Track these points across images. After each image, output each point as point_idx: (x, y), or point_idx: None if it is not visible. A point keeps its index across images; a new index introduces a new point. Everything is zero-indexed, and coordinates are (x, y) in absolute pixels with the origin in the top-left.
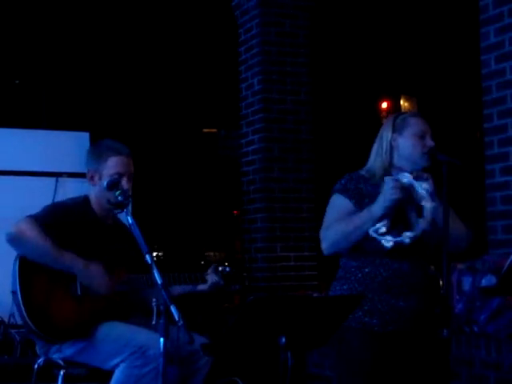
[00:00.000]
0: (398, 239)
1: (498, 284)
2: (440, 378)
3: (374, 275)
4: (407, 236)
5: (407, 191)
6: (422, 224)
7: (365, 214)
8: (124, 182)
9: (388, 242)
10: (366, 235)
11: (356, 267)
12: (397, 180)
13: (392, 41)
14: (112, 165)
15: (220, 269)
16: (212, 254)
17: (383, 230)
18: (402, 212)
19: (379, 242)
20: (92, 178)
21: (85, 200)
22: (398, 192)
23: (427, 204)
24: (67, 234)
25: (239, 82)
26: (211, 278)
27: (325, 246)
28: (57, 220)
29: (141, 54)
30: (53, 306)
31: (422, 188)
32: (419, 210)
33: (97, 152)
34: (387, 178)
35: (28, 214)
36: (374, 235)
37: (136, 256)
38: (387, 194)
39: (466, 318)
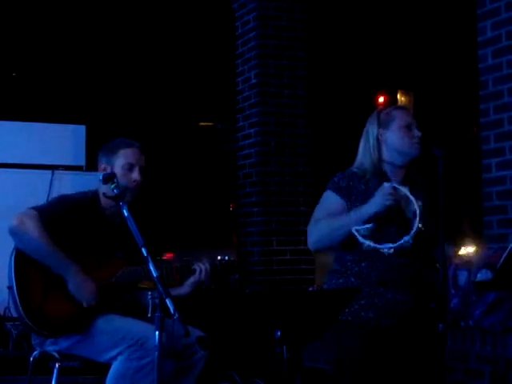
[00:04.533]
0: (397, 244)
1: (493, 278)
2: (435, 373)
3: (370, 269)
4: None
5: (400, 202)
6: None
7: (353, 214)
8: (136, 173)
9: (389, 249)
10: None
11: (352, 261)
12: (395, 188)
13: (389, 35)
14: (123, 155)
15: (219, 258)
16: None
17: (366, 232)
18: (391, 220)
19: (359, 241)
20: (104, 170)
21: (93, 195)
22: (392, 199)
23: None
24: (70, 229)
25: (236, 76)
26: (202, 266)
27: (310, 241)
28: (62, 213)
29: (138, 48)
30: (49, 301)
31: (417, 204)
32: (405, 223)
33: (109, 146)
34: (386, 184)
35: (23, 206)
36: (355, 234)
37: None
38: (381, 198)
39: (461, 312)
